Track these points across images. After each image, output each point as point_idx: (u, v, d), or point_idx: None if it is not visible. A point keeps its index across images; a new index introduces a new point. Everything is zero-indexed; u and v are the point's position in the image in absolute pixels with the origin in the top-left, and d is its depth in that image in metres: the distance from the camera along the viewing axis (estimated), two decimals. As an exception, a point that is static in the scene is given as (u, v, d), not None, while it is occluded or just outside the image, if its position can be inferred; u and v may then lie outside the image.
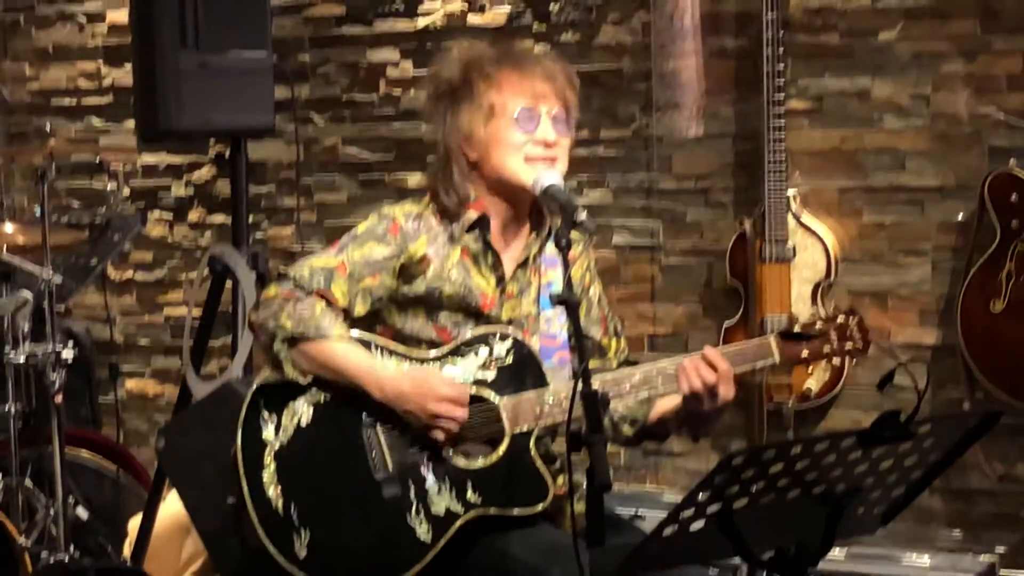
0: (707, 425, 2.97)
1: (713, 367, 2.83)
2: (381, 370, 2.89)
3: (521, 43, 4.97)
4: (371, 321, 3.00)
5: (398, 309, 2.99)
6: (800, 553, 2.53)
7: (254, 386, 2.97)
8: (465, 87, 2.97)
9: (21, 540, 4.31)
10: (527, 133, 2.93)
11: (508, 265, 3.01)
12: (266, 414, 2.94)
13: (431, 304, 2.96)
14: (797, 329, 2.90)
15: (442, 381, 2.86)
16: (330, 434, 2.92)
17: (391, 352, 2.94)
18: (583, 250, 3.09)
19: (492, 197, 2.99)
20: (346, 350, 2.89)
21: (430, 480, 2.88)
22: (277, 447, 2.93)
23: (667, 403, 2.96)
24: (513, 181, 2.94)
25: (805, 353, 2.92)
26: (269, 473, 2.92)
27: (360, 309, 2.96)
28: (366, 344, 2.94)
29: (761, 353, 2.91)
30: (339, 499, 2.89)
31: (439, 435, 2.86)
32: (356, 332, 2.95)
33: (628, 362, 3.07)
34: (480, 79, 2.95)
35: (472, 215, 2.98)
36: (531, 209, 3.03)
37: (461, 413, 2.85)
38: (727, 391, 2.85)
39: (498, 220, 3.00)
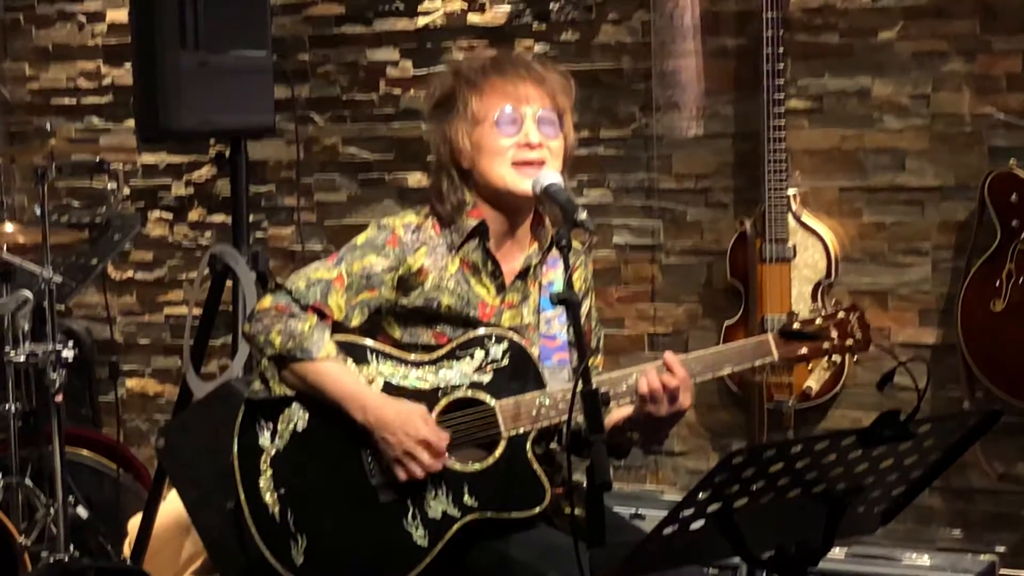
0: (660, 432, 2.94)
1: (672, 372, 2.82)
2: (366, 394, 2.87)
3: (521, 42, 4.98)
4: (370, 332, 2.99)
5: (397, 321, 2.98)
6: (800, 552, 2.52)
7: (244, 396, 2.97)
8: (453, 97, 2.96)
9: (21, 539, 4.31)
10: (510, 136, 2.91)
11: (508, 274, 3.00)
12: (262, 420, 2.95)
13: (429, 315, 2.95)
14: (796, 326, 2.89)
15: (425, 423, 2.84)
16: (326, 440, 2.91)
17: (386, 356, 2.93)
18: (582, 261, 3.07)
19: (488, 204, 2.97)
20: (331, 371, 2.88)
21: (426, 484, 2.87)
22: (273, 453, 2.93)
23: (620, 413, 2.94)
24: (502, 187, 2.93)
25: (804, 350, 2.91)
26: (265, 479, 2.92)
27: (357, 321, 2.95)
28: (362, 348, 2.93)
29: (760, 351, 2.90)
30: (335, 505, 2.89)
31: (402, 474, 2.84)
32: (352, 335, 2.95)
33: None
34: (465, 87, 2.95)
35: (471, 222, 2.97)
36: (532, 219, 3.02)
37: (433, 463, 2.83)
38: (685, 398, 2.84)
39: (497, 228, 2.99)
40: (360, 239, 2.99)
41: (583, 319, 3.06)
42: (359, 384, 2.89)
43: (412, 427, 2.83)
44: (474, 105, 2.93)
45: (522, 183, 2.90)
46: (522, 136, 2.92)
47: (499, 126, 2.92)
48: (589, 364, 3.04)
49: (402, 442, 2.83)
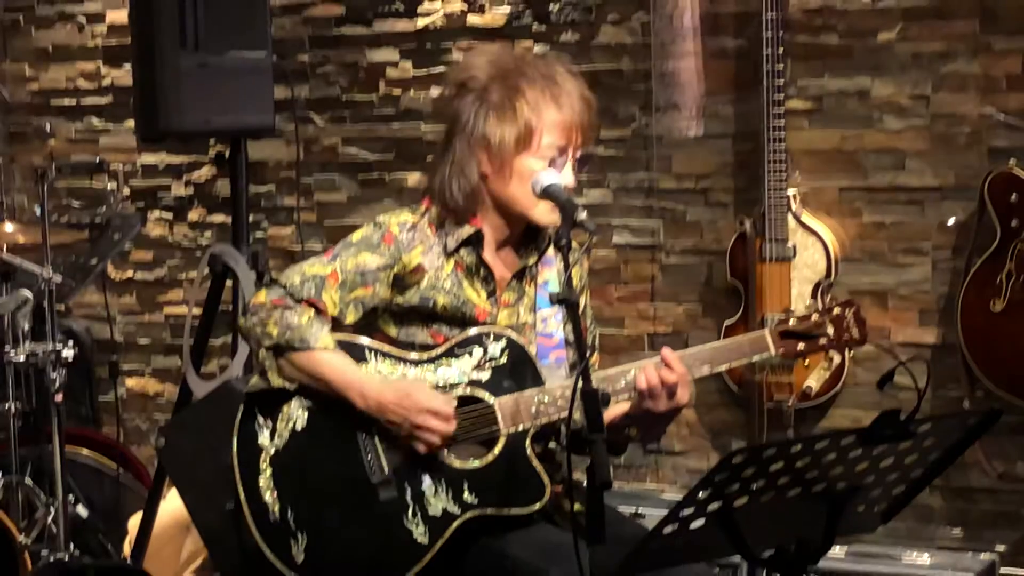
0: (657, 428, 2.94)
1: (670, 368, 2.82)
2: (365, 380, 2.87)
3: (520, 43, 4.98)
4: (366, 330, 2.98)
5: (393, 319, 2.98)
6: (800, 551, 2.53)
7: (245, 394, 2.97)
8: (500, 98, 2.90)
9: (21, 538, 4.31)
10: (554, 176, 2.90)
11: (501, 279, 3.00)
12: (261, 419, 2.94)
13: (425, 314, 2.95)
14: (793, 322, 2.89)
15: (426, 394, 2.84)
16: (325, 438, 2.91)
17: (385, 355, 2.93)
18: (578, 260, 3.06)
19: (491, 212, 2.97)
20: (330, 360, 2.88)
21: (426, 482, 2.87)
22: (272, 452, 2.92)
23: (618, 409, 2.93)
24: (526, 214, 2.93)
25: (801, 346, 2.91)
26: (265, 478, 2.92)
27: (351, 318, 2.95)
28: (360, 347, 2.93)
29: (757, 347, 2.90)
30: (335, 503, 2.89)
31: (421, 448, 2.85)
32: (349, 334, 2.94)
33: None
34: (522, 99, 2.89)
35: (467, 231, 2.96)
36: (528, 223, 3.01)
37: (445, 427, 2.84)
38: (683, 394, 2.83)
39: (493, 235, 2.99)
40: (355, 236, 2.98)
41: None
42: (357, 372, 2.88)
43: (412, 400, 2.83)
44: (531, 123, 2.88)
45: (545, 215, 2.90)
46: (562, 178, 2.90)
47: (548, 166, 2.90)
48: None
49: (407, 417, 2.83)
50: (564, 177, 2.90)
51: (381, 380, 2.88)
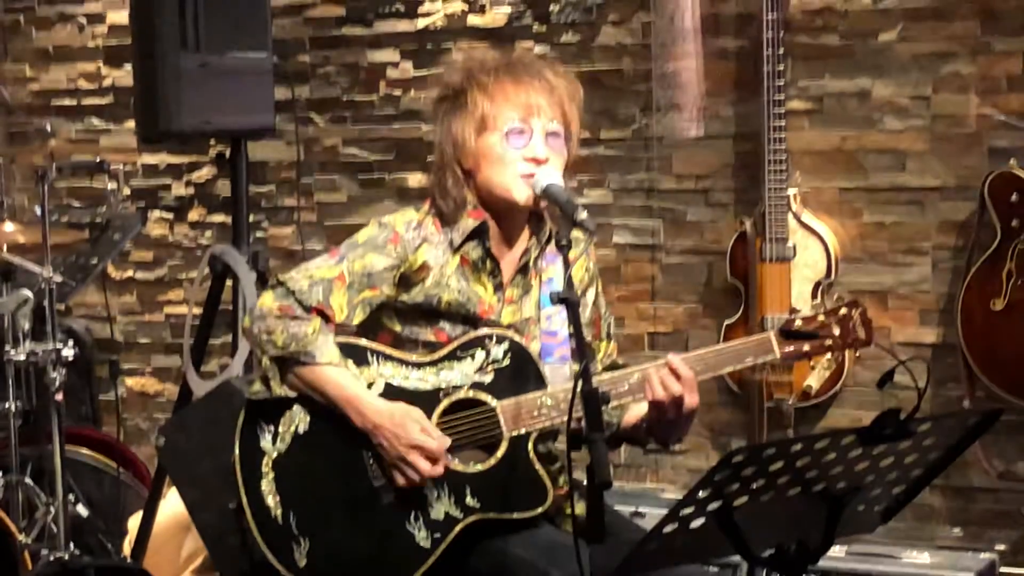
0: (675, 432, 2.91)
1: (677, 375, 2.80)
2: (364, 399, 2.86)
3: (521, 44, 4.98)
4: (370, 326, 2.98)
5: (397, 316, 2.97)
6: (800, 551, 2.52)
7: (245, 396, 2.97)
8: (462, 95, 2.94)
9: (21, 538, 4.31)
10: (517, 148, 2.90)
11: (507, 271, 2.99)
12: (263, 423, 2.93)
13: (430, 311, 2.94)
14: (798, 323, 2.88)
15: (420, 429, 2.83)
16: (328, 442, 2.91)
17: (387, 357, 2.92)
18: (583, 251, 3.07)
19: (487, 206, 2.97)
20: (333, 375, 2.87)
21: (428, 486, 2.87)
22: (275, 456, 2.92)
23: (641, 408, 2.93)
24: (504, 197, 2.92)
25: (806, 347, 2.90)
26: (267, 482, 2.91)
27: (358, 319, 2.95)
28: (362, 349, 2.93)
29: (761, 350, 2.89)
30: (338, 507, 2.88)
31: (401, 480, 2.84)
32: (353, 337, 2.94)
33: (615, 365, 3.04)
34: (476, 88, 2.93)
35: (471, 223, 2.96)
36: (529, 214, 3.01)
37: (430, 469, 2.82)
38: (692, 399, 2.81)
39: (496, 227, 2.99)
40: (361, 237, 2.98)
41: (590, 307, 3.07)
42: (358, 388, 2.88)
43: (405, 432, 2.82)
44: (484, 109, 2.91)
45: (526, 193, 2.90)
46: (529, 149, 2.90)
47: (508, 138, 2.90)
48: (603, 352, 3.07)
49: (396, 448, 2.82)
50: (532, 149, 2.89)
51: (380, 403, 2.87)
